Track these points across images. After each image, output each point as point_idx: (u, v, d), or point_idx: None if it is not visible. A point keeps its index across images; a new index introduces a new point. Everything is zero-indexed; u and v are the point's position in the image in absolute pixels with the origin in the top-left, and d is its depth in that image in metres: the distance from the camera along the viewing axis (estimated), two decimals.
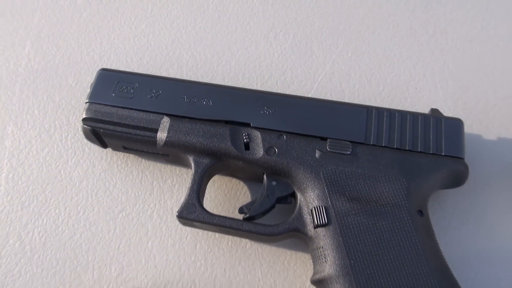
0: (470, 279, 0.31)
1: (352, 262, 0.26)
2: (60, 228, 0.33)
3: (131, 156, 0.35)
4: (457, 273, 0.29)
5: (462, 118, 0.32)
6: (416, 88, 0.37)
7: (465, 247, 0.32)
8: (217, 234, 0.33)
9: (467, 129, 0.35)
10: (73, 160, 0.35)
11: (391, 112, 0.31)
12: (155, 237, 0.33)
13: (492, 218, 0.32)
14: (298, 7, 0.41)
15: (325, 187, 0.29)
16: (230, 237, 0.32)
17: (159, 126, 0.31)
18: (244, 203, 0.31)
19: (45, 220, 0.33)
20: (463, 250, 0.32)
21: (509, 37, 0.39)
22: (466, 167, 0.30)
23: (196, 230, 0.33)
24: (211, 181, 0.34)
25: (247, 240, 0.32)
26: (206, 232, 0.33)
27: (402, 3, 0.41)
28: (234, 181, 0.34)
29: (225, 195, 0.34)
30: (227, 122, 0.31)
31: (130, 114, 0.32)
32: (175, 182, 0.34)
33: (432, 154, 0.30)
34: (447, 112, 0.35)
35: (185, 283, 0.31)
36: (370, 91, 0.37)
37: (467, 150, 0.34)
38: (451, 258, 0.30)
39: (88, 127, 0.32)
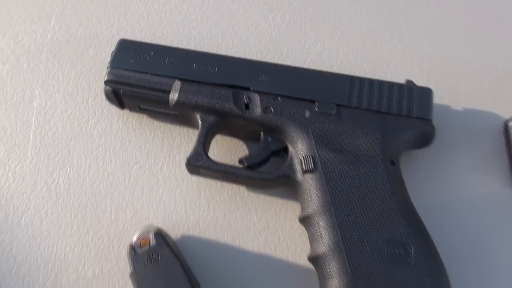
0: (435, 226, 0.36)
1: (333, 200, 0.31)
2: (81, 177, 0.38)
3: (145, 117, 0.40)
4: (424, 221, 0.35)
5: (434, 91, 0.38)
6: (395, 65, 0.42)
7: (432, 199, 0.37)
8: (219, 184, 0.38)
9: (438, 100, 0.40)
10: (93, 119, 0.40)
11: (371, 81, 0.36)
12: (164, 186, 0.38)
13: (456, 175, 0.38)
14: None
15: (313, 141, 0.34)
16: (230, 186, 0.37)
17: (171, 88, 0.36)
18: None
19: (68, 170, 0.38)
20: (430, 202, 0.37)
21: (477, 24, 0.44)
22: (433, 128, 0.35)
23: (201, 180, 0.38)
24: (213, 140, 0.38)
25: (245, 189, 0.37)
26: (209, 182, 0.38)
27: None
28: (235, 140, 0.39)
29: (226, 152, 0.39)
30: (230, 86, 0.36)
31: (147, 77, 0.37)
32: (183, 140, 0.39)
33: (405, 116, 0.35)
34: (421, 85, 0.40)
35: (190, 224, 0.36)
36: (355, 67, 0.42)
37: (438, 118, 0.39)
38: (419, 208, 0.35)
39: (110, 88, 0.37)
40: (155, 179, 0.38)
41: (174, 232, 0.36)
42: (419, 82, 0.41)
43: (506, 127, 0.39)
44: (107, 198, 0.37)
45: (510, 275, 0.34)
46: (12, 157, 0.39)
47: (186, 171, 0.37)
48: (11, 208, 0.37)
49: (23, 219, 0.37)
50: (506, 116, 0.39)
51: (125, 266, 0.35)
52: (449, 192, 0.37)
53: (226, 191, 0.37)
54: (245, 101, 0.35)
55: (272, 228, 0.36)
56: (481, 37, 0.43)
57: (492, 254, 0.35)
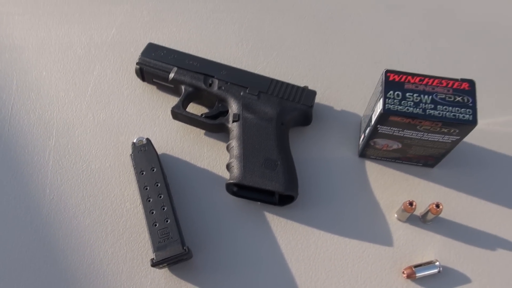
0: (309, 170, 0.62)
1: (243, 134, 0.58)
2: (114, 117, 0.66)
3: (154, 88, 0.68)
4: (303, 165, 0.61)
5: (325, 97, 0.65)
6: (306, 81, 0.70)
7: (311, 155, 0.63)
8: (189, 130, 0.64)
9: (327, 103, 0.67)
10: (125, 86, 0.69)
11: (282, 82, 0.64)
12: (158, 126, 0.65)
13: (329, 146, 0.63)
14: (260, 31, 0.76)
15: (241, 107, 0.61)
16: (195, 132, 0.64)
17: (171, 70, 0.64)
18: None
19: (108, 108, 0.67)
20: (311, 157, 0.63)
21: (364, 48, 0.71)
22: (311, 111, 0.62)
23: (179, 126, 0.65)
24: (191, 109, 0.66)
25: (203, 134, 0.64)
26: (183, 128, 0.64)
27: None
28: (203, 108, 0.67)
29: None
30: (203, 74, 0.64)
31: (159, 63, 0.65)
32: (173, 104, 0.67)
33: (296, 102, 0.62)
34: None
35: (168, 148, 0.63)
36: (279, 77, 0.70)
37: (323, 113, 0.66)
38: (302, 159, 0.62)
39: (138, 67, 0.66)
40: (154, 122, 0.66)
41: (158, 149, 0.63)
42: (319, 94, 0.68)
43: (360, 121, 0.65)
44: (126, 129, 0.65)
45: (339, 203, 0.60)
46: (85, 79, 0.67)
47: (171, 120, 0.65)
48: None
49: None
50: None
51: (127, 161, 0.62)
52: (323, 153, 0.63)
53: (192, 134, 0.65)
54: (210, 82, 0.63)
55: (214, 156, 0.63)
56: (359, 66, 0.71)
57: (336, 189, 0.60)
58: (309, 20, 0.77)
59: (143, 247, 0.56)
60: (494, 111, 0.66)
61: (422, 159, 0.60)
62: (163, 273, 0.55)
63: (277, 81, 0.64)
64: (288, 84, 0.64)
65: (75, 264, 0.55)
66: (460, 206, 0.59)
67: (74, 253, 0.56)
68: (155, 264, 0.50)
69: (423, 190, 0.60)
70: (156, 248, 0.51)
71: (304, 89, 0.64)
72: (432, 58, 0.72)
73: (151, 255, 0.53)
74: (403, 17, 0.77)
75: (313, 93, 0.64)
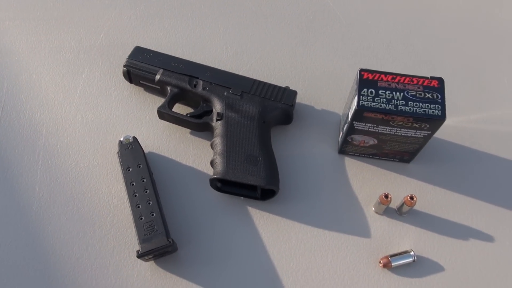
0: (290, 166, 0.64)
1: (226, 132, 0.61)
2: (102, 119, 0.68)
3: (141, 90, 0.71)
4: (283, 162, 0.63)
5: (306, 97, 0.68)
6: (289, 83, 0.72)
7: (292, 152, 0.65)
8: (174, 129, 0.67)
9: (307, 102, 0.70)
10: (113, 87, 0.71)
11: (264, 83, 0.66)
12: (145, 126, 0.67)
13: (309, 143, 0.66)
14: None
15: (224, 106, 0.64)
16: (180, 131, 0.67)
17: (157, 72, 0.67)
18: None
19: (98, 109, 0.69)
20: (290, 153, 0.65)
21: (343, 50, 0.74)
22: (292, 110, 0.65)
23: (165, 126, 0.67)
24: (177, 110, 0.69)
25: (188, 133, 0.67)
26: (169, 127, 0.67)
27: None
28: (188, 108, 0.69)
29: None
30: (188, 75, 0.67)
31: (146, 66, 0.67)
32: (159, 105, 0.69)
33: (277, 101, 0.65)
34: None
35: (154, 146, 0.65)
36: (263, 78, 0.72)
37: (304, 112, 0.69)
38: (282, 155, 0.64)
39: (125, 69, 0.68)
40: (141, 122, 0.68)
41: (145, 148, 0.65)
42: (299, 94, 0.71)
43: (340, 120, 0.68)
44: (113, 129, 0.67)
45: (318, 198, 0.62)
46: (74, 81, 0.69)
47: (158, 119, 0.67)
48: None
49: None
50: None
51: (114, 159, 0.64)
52: (304, 151, 0.66)
53: (177, 133, 0.67)
54: (194, 83, 0.66)
55: (198, 153, 0.65)
56: (339, 68, 0.74)
57: (316, 184, 0.63)
58: (290, 24, 0.80)
59: (130, 241, 0.58)
60: (466, 109, 0.69)
61: (398, 155, 0.63)
62: (149, 266, 0.56)
63: (260, 82, 0.66)
64: (270, 85, 0.66)
65: (64, 259, 0.57)
66: (434, 199, 0.62)
67: (63, 248, 0.58)
68: (140, 255, 0.52)
69: (399, 185, 0.63)
70: (142, 240, 0.53)
71: (285, 89, 0.66)
72: (408, 59, 0.76)
73: (137, 248, 0.55)
74: (381, 20, 0.80)
75: (294, 93, 0.66)
